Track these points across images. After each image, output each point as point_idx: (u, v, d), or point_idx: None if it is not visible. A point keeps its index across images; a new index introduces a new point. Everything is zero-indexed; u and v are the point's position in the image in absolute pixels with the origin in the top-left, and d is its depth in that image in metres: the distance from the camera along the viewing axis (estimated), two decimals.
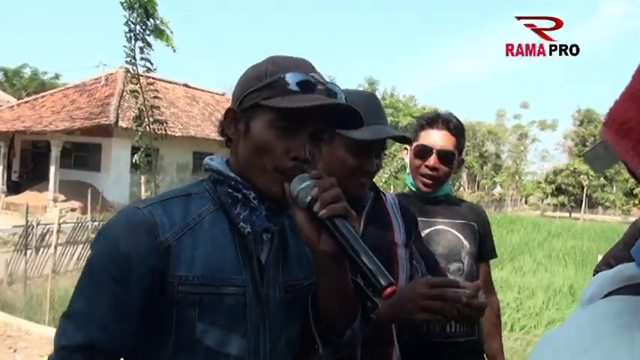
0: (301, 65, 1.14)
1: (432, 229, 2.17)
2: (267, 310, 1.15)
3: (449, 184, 2.25)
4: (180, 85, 24.98)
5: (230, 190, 1.14)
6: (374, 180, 1.74)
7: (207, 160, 1.21)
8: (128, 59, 6.00)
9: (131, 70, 6.04)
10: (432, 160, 2.11)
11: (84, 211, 15.32)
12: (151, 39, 6.08)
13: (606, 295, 0.56)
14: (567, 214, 34.79)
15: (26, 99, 24.65)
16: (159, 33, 6.21)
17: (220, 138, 1.22)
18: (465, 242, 2.18)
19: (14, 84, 39.72)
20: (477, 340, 2.14)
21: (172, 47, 6.57)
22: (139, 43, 6.00)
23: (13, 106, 23.12)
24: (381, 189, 1.80)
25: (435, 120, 2.17)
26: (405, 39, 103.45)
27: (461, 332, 2.09)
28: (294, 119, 1.08)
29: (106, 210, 13.89)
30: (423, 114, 2.32)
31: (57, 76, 41.65)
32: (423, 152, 2.13)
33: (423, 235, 2.16)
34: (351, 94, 1.42)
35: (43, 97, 23.14)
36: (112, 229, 1.10)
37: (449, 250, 2.16)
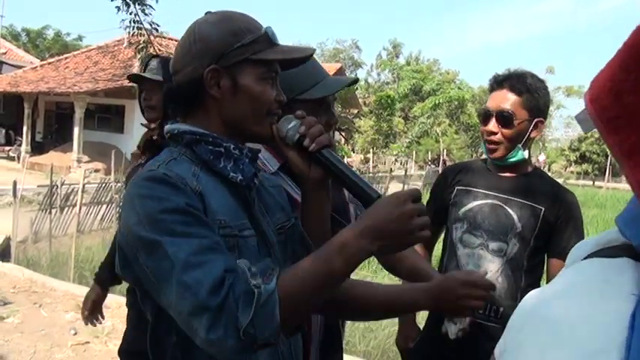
0: (256, 21, 1.24)
1: (485, 202, 2.04)
2: (272, 251, 1.20)
3: (520, 151, 2.04)
4: None
5: (210, 147, 1.16)
6: None
7: (173, 126, 1.18)
8: (132, 26, 5.58)
9: (139, 36, 5.65)
10: (491, 124, 2.00)
11: (107, 172, 15.52)
12: None
13: (587, 257, 0.65)
14: (591, 183, 34.28)
15: (49, 60, 24.79)
16: None
17: None
18: (518, 224, 1.99)
19: (37, 45, 39.98)
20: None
21: None
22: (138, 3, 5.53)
23: (36, 67, 23.29)
24: None
25: (496, 80, 2.04)
26: (430, 4, 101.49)
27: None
28: (276, 69, 1.21)
29: None
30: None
31: (80, 38, 41.89)
32: (484, 117, 2.03)
33: (473, 206, 2.05)
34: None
35: (66, 58, 23.24)
36: (149, 186, 1.05)
37: (494, 227, 2.01)
